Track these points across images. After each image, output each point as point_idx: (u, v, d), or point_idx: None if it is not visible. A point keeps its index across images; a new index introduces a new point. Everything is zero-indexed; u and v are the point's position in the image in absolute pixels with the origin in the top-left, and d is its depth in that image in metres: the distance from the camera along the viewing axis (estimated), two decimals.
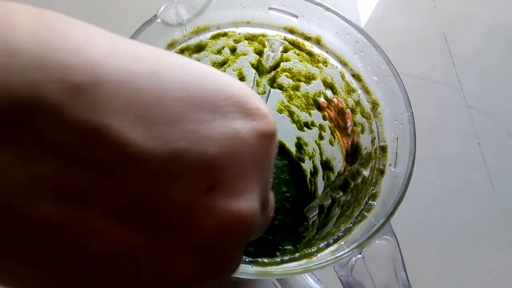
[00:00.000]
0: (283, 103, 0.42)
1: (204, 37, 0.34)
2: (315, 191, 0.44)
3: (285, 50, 0.36)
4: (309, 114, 0.40)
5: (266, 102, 0.42)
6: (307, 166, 0.45)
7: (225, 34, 0.34)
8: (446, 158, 0.53)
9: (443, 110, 0.57)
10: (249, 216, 0.13)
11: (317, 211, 0.41)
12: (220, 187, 0.12)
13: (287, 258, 0.26)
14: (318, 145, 0.42)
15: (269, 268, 0.25)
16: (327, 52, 0.34)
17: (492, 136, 0.55)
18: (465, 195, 0.51)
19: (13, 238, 0.10)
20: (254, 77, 0.40)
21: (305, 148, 0.44)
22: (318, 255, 0.27)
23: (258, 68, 0.39)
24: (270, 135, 0.13)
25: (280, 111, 0.43)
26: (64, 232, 0.10)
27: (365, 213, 0.28)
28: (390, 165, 0.29)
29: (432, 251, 0.47)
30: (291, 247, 0.42)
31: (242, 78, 0.40)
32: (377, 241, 0.26)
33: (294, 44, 0.35)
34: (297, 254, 0.27)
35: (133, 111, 0.11)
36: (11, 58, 0.09)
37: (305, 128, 0.42)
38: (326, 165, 0.41)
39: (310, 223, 0.43)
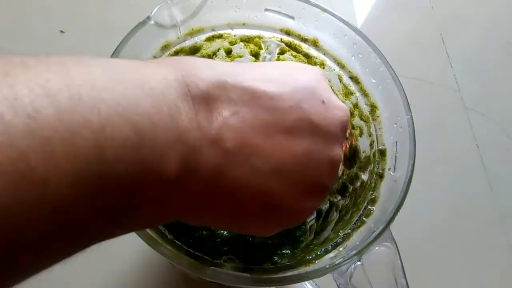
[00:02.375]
0: None
1: (199, 39, 0.33)
2: None
3: (282, 52, 0.35)
4: None
5: None
6: None
7: (220, 36, 0.34)
8: (444, 160, 0.52)
9: (441, 112, 0.56)
10: (347, 109, 0.22)
11: (314, 215, 0.41)
12: (326, 99, 0.21)
13: (284, 266, 0.25)
14: None
15: (266, 277, 0.25)
16: (324, 54, 0.33)
17: (490, 138, 0.54)
18: (463, 197, 0.50)
19: None
20: None
21: None
22: (316, 262, 0.26)
23: None
24: (322, 71, 0.24)
25: None
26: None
27: (364, 219, 0.28)
28: (389, 169, 0.29)
29: (431, 255, 0.46)
30: (289, 252, 0.41)
31: None
32: (376, 248, 0.25)
33: (290, 46, 0.34)
34: (294, 262, 0.26)
35: (259, 78, 0.19)
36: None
37: None
38: None
39: (308, 227, 0.42)
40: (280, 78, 0.20)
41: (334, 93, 0.34)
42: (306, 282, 0.29)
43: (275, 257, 0.41)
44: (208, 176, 0.17)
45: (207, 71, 0.18)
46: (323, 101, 0.21)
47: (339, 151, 0.21)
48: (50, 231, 0.12)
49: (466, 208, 0.50)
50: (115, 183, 0.14)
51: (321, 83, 0.22)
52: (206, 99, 0.17)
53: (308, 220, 0.42)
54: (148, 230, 0.24)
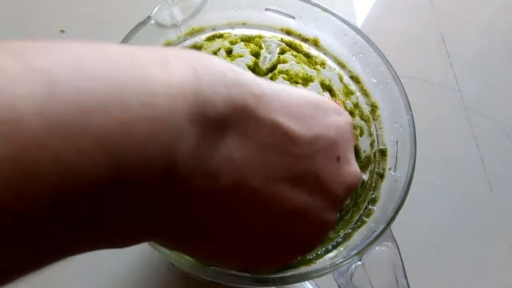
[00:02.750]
0: None
1: (199, 38, 0.33)
2: None
3: (282, 52, 0.35)
4: None
5: None
6: None
7: (220, 36, 0.34)
8: (444, 160, 0.52)
9: (441, 112, 0.56)
10: (359, 175, 0.21)
11: None
12: (342, 157, 0.19)
13: (284, 265, 0.25)
14: None
15: (267, 277, 0.24)
16: (325, 53, 0.33)
17: (490, 138, 0.54)
18: (463, 197, 0.50)
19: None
20: None
21: None
22: (317, 261, 0.26)
23: (255, 70, 0.38)
24: (351, 123, 0.22)
25: None
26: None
27: (364, 219, 0.28)
28: (390, 169, 0.29)
29: (432, 255, 0.46)
30: None
31: None
32: (377, 248, 0.25)
33: (291, 46, 0.34)
34: (295, 261, 0.26)
35: (285, 111, 0.17)
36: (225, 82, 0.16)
37: None
38: None
39: None
40: (307, 117, 0.18)
41: (334, 93, 0.34)
42: (306, 282, 0.29)
43: None
44: (187, 215, 0.15)
45: (234, 89, 0.16)
46: (338, 158, 0.19)
47: (335, 216, 0.19)
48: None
49: (466, 208, 0.50)
50: (78, 219, 0.12)
51: (345, 136, 0.20)
52: (219, 123, 0.15)
53: None
54: None
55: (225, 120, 0.15)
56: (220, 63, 0.16)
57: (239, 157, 0.16)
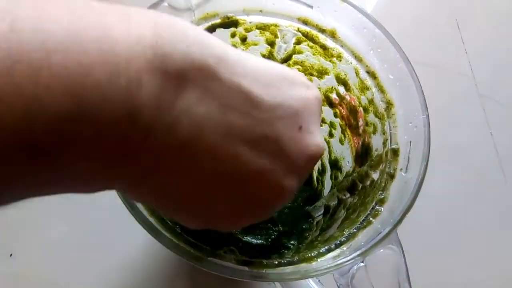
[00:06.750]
0: None
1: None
2: (321, 190, 0.42)
3: (298, 42, 0.34)
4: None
5: None
6: None
7: (236, 22, 0.33)
8: (457, 148, 0.50)
9: (455, 99, 0.54)
10: (322, 147, 0.20)
11: (322, 211, 0.40)
12: (304, 128, 0.19)
13: (285, 261, 0.25)
14: (328, 143, 0.40)
15: (266, 271, 0.24)
16: (342, 46, 0.32)
17: (504, 126, 0.52)
18: (477, 186, 0.48)
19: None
20: None
21: None
22: (319, 260, 0.25)
23: (270, 59, 0.37)
24: (319, 98, 0.21)
25: None
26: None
27: (371, 219, 0.27)
28: (401, 169, 0.28)
29: (442, 244, 0.45)
30: (295, 243, 0.41)
31: None
32: (381, 250, 0.24)
33: (307, 36, 0.33)
34: (296, 258, 0.25)
35: (248, 76, 0.17)
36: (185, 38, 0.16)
37: None
38: (335, 164, 0.40)
39: (315, 222, 0.41)
40: (271, 86, 0.18)
41: (349, 87, 0.33)
42: (310, 279, 0.29)
43: (282, 250, 0.41)
44: (147, 163, 0.16)
45: (195, 48, 0.16)
46: (300, 127, 0.19)
47: (294, 183, 0.20)
48: None
49: (479, 196, 0.48)
50: (41, 154, 0.13)
51: (310, 108, 0.20)
52: (178, 78, 0.15)
53: (316, 216, 0.42)
54: (148, 216, 0.24)
55: (184, 76, 0.15)
56: (183, 23, 0.16)
57: (197, 113, 0.16)
